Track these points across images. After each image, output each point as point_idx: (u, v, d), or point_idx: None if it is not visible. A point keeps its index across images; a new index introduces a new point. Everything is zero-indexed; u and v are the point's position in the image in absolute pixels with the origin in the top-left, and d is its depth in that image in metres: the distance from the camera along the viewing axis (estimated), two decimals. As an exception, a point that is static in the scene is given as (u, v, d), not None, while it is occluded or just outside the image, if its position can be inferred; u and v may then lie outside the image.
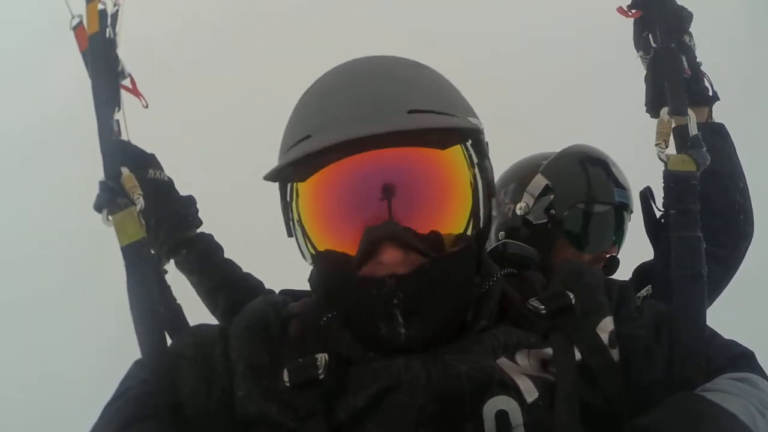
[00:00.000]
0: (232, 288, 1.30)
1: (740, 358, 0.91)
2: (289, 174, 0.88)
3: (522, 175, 1.51)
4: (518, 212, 1.45)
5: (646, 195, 1.08)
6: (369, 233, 0.82)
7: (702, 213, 1.00)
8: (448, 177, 0.86)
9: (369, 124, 0.81)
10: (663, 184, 1.03)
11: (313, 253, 0.89)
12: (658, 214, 1.20)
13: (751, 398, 0.80)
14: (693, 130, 1.05)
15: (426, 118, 0.84)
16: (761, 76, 2.90)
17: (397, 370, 0.81)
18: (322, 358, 0.84)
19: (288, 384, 0.83)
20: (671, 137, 1.05)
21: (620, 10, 1.23)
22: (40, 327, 2.49)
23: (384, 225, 0.82)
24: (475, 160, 0.89)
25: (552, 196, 1.44)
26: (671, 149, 1.04)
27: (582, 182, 1.44)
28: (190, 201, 1.30)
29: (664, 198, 1.04)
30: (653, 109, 1.20)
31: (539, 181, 1.45)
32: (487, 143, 0.95)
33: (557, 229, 1.43)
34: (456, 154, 0.87)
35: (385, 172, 0.84)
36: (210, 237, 1.34)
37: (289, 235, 0.94)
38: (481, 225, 0.89)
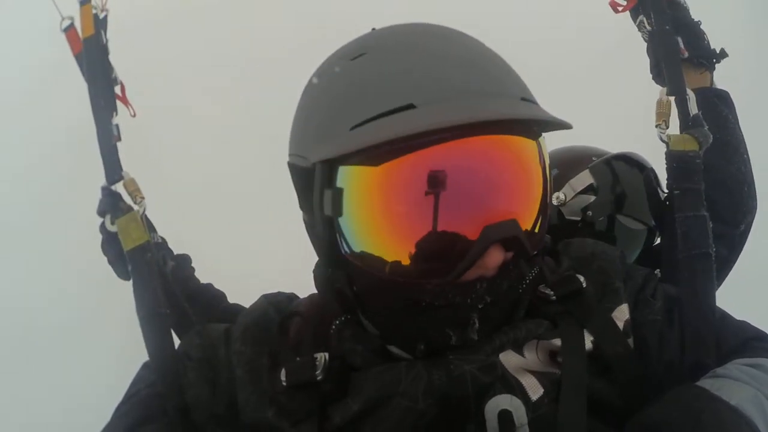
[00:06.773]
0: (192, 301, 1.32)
1: (753, 341, 0.88)
2: (347, 154, 0.69)
3: (568, 165, 1.41)
4: (554, 202, 1.36)
5: (650, 177, 1.06)
6: (488, 234, 0.70)
7: (706, 184, 0.97)
8: (540, 170, 0.78)
9: (494, 104, 0.70)
10: (666, 165, 1.02)
11: (359, 254, 0.74)
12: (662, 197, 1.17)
13: (763, 386, 0.76)
14: (693, 109, 1.05)
15: (534, 108, 0.75)
16: (761, 74, 2.89)
17: (398, 373, 0.78)
18: (321, 357, 0.81)
19: (285, 384, 0.81)
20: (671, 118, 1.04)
21: (612, 3, 1.23)
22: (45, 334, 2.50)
23: (505, 224, 0.71)
24: (546, 155, 0.80)
25: (593, 198, 1.35)
26: (672, 130, 1.04)
27: (628, 195, 1.35)
28: None
29: (667, 179, 1.02)
30: (659, 75, 1.19)
31: (585, 178, 1.36)
32: None
33: (587, 230, 1.34)
34: (540, 147, 0.79)
35: (496, 163, 0.72)
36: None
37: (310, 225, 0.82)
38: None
